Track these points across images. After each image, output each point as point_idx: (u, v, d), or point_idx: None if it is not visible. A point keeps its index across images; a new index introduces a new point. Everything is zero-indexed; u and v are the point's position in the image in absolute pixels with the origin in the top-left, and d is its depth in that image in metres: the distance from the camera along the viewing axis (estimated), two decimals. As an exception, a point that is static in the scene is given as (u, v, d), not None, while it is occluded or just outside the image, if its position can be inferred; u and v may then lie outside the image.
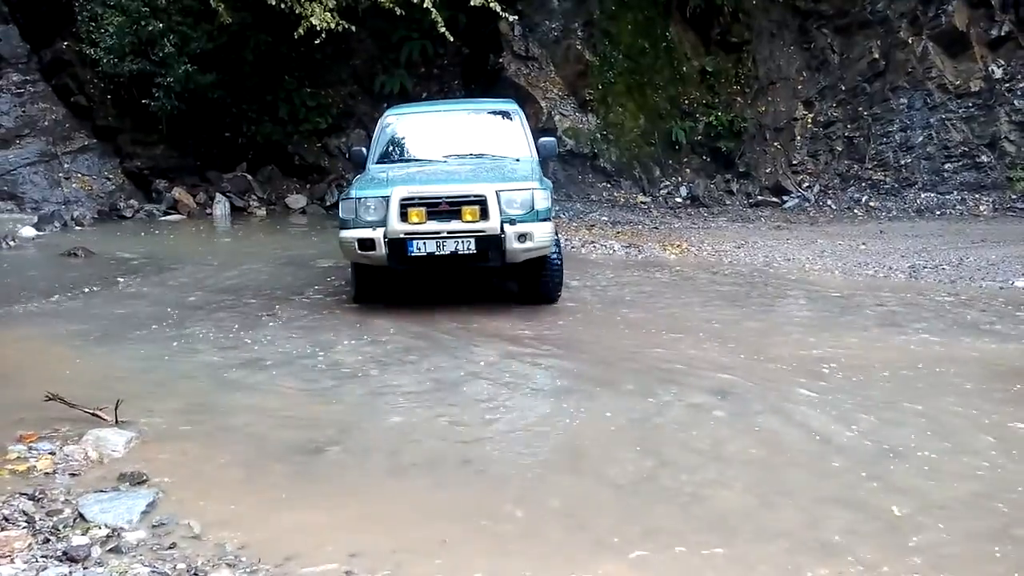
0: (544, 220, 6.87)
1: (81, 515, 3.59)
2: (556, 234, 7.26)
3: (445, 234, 6.75)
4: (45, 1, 12.95)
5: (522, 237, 6.74)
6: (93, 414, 4.64)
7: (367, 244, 6.82)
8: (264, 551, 3.38)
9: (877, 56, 13.63)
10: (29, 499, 3.70)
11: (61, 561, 3.22)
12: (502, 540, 3.53)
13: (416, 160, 7.89)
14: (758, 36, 14.22)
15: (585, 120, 13.54)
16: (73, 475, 4.00)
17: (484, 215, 6.69)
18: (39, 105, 12.94)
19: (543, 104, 13.19)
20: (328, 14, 10.75)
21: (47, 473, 4.00)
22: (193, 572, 3.20)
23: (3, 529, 3.44)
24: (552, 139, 8.06)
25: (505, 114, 8.30)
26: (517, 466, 4.32)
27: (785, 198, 13.48)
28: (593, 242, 10.27)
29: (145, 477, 3.96)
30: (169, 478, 3.99)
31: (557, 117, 13.31)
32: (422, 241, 6.74)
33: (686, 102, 14.00)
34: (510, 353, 5.94)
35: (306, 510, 3.74)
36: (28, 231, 10.29)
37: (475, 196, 6.75)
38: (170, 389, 5.25)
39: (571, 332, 6.59)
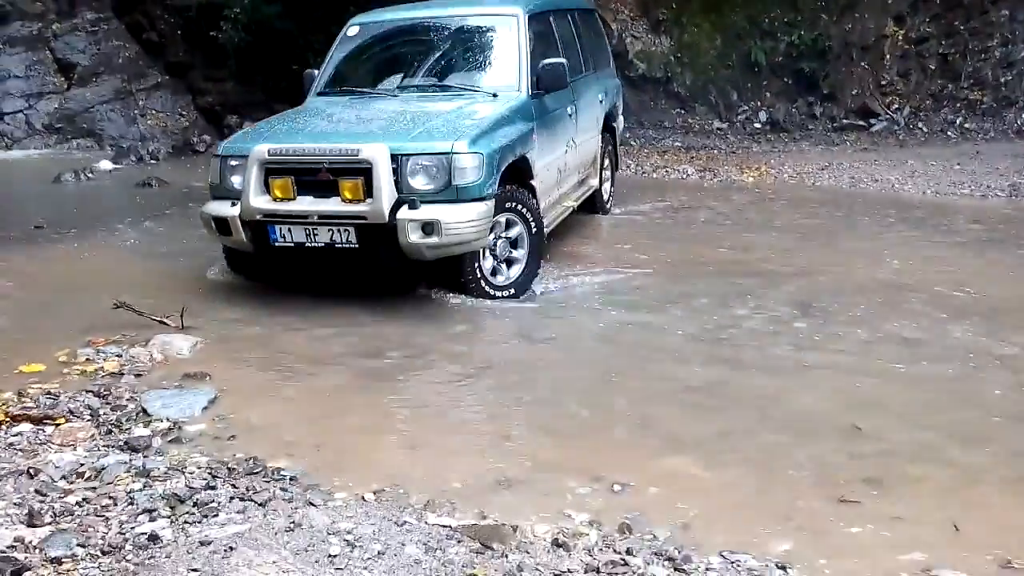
0: (472, 200, 4.63)
1: (144, 410, 3.59)
2: (523, 214, 5.12)
3: (316, 218, 4.68)
4: (115, -63, 13.04)
5: (428, 227, 4.52)
6: (160, 321, 4.64)
7: (223, 226, 4.90)
8: (322, 445, 3.32)
9: (977, -36, 12.56)
10: (95, 395, 3.73)
11: (122, 450, 3.22)
12: (567, 437, 3.41)
13: (365, 93, 5.78)
14: (845, -52, 13.25)
15: (658, 42, 12.95)
16: (138, 375, 4.01)
17: (368, 190, 4.58)
18: (113, 43, 13.10)
19: (613, 26, 12.63)
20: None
21: (113, 373, 4.02)
22: (251, 460, 3.14)
23: (68, 421, 3.46)
24: (560, 61, 5.69)
25: (506, 24, 5.84)
26: (584, 368, 4.18)
27: (873, 121, 12.68)
28: (665, 167, 9.86)
29: (208, 377, 3.94)
30: (231, 379, 3.96)
31: (628, 39, 12.76)
32: (287, 227, 4.72)
33: (766, 21, 13.21)
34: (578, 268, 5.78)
35: (361, 412, 3.69)
36: (105, 164, 10.49)
37: (354, 162, 4.58)
38: (236, 301, 5.23)
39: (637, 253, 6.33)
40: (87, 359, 4.16)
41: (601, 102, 7.23)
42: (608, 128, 7.57)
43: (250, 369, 4.12)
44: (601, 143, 7.29)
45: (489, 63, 5.83)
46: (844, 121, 12.79)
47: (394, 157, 4.59)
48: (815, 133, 12.54)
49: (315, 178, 4.68)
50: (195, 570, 2.41)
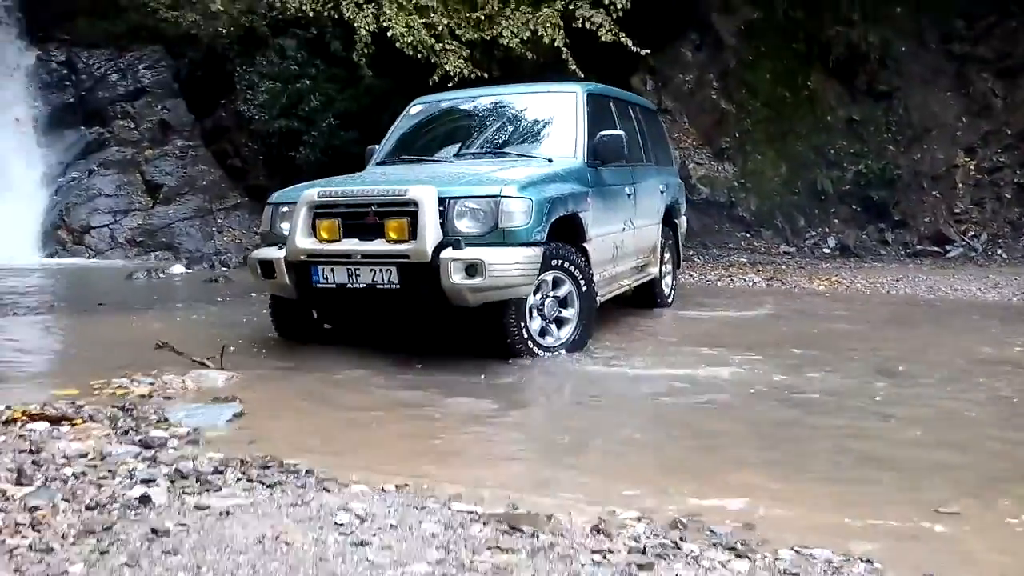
0: (518, 244, 4.47)
1: (166, 419, 3.38)
2: (571, 272, 4.92)
3: (359, 258, 4.57)
4: (209, 76, 14.12)
5: (471, 269, 4.35)
6: (200, 362, 4.51)
7: (267, 269, 4.84)
8: (345, 451, 3.06)
9: (1047, 97, 12.52)
10: (120, 409, 3.54)
11: (135, 445, 2.99)
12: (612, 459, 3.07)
13: (423, 160, 5.75)
14: (908, 82, 13.42)
15: (721, 168, 13.06)
16: (167, 398, 3.83)
17: (413, 232, 4.48)
18: (199, 167, 13.90)
19: (676, 153, 12.85)
20: (462, 61, 11.05)
21: (143, 396, 3.85)
22: (268, 456, 2.87)
23: (84, 422, 3.26)
24: (618, 133, 5.57)
25: (565, 100, 5.80)
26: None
27: (948, 247, 12.29)
28: (731, 277, 9.62)
29: (238, 399, 3.73)
30: (261, 401, 3.76)
31: (691, 165, 12.91)
32: (330, 268, 4.61)
33: (831, 151, 13.26)
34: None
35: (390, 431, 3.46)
36: (177, 268, 10.83)
37: (401, 202, 4.51)
38: (279, 352, 5.09)
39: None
40: (120, 386, 4.02)
41: (662, 193, 7.19)
42: (669, 223, 7.49)
43: (282, 395, 3.93)
44: (662, 236, 7.18)
45: (546, 134, 5.85)
46: (918, 247, 12.45)
47: (441, 200, 4.51)
48: (887, 258, 12.21)
49: (362, 221, 4.62)
50: (183, 525, 2.13)
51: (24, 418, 3.24)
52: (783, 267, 10.50)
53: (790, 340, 5.52)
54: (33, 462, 2.63)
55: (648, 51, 11.16)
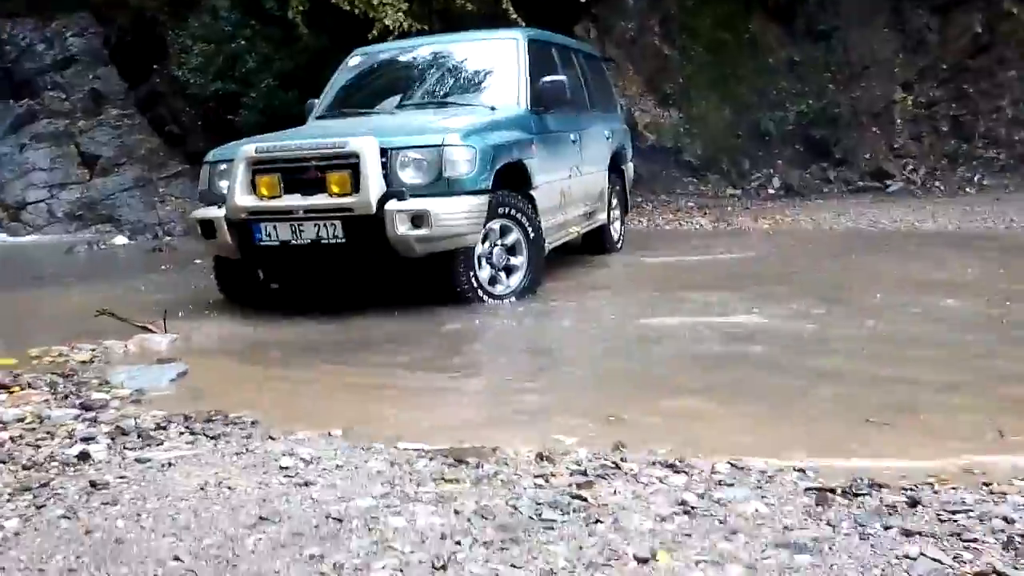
0: (463, 193, 4.44)
1: (107, 382, 3.33)
2: (518, 219, 4.90)
3: (302, 213, 4.47)
4: (140, 41, 13.64)
5: (417, 219, 4.32)
6: (143, 327, 4.43)
7: (208, 228, 4.78)
8: (291, 404, 3.05)
9: (980, 31, 12.75)
10: (59, 376, 3.47)
11: (75, 408, 2.94)
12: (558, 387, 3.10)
13: (363, 112, 5.67)
14: (846, 21, 13.55)
15: (666, 115, 13.09)
16: (108, 363, 3.76)
17: (356, 185, 4.40)
18: (136, 136, 13.49)
19: (622, 101, 12.84)
20: (400, 14, 10.83)
21: (83, 362, 3.78)
22: (214, 411, 2.85)
23: (22, 389, 3.20)
24: (560, 78, 5.54)
25: (506, 47, 5.74)
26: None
27: (888, 183, 12.54)
28: (678, 221, 9.73)
29: (181, 360, 3.68)
30: (206, 361, 3.72)
31: (637, 113, 12.90)
32: (272, 224, 4.53)
33: (774, 93, 13.37)
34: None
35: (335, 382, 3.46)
36: (120, 239, 10.57)
37: (342, 155, 4.42)
38: (224, 313, 5.01)
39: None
40: (60, 353, 3.94)
41: (608, 139, 7.19)
42: (616, 170, 7.50)
43: (228, 354, 3.91)
44: (609, 182, 7.20)
45: (488, 83, 5.78)
46: (860, 184, 12.69)
47: (384, 152, 4.46)
48: (830, 195, 12.41)
49: (303, 176, 4.54)
50: (122, 477, 2.11)
51: (-41, 389, 3.17)
52: (729, 209, 10.63)
53: (733, 276, 5.61)
54: (-34, 428, 2.58)
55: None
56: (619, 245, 7.45)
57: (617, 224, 7.48)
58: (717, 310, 4.48)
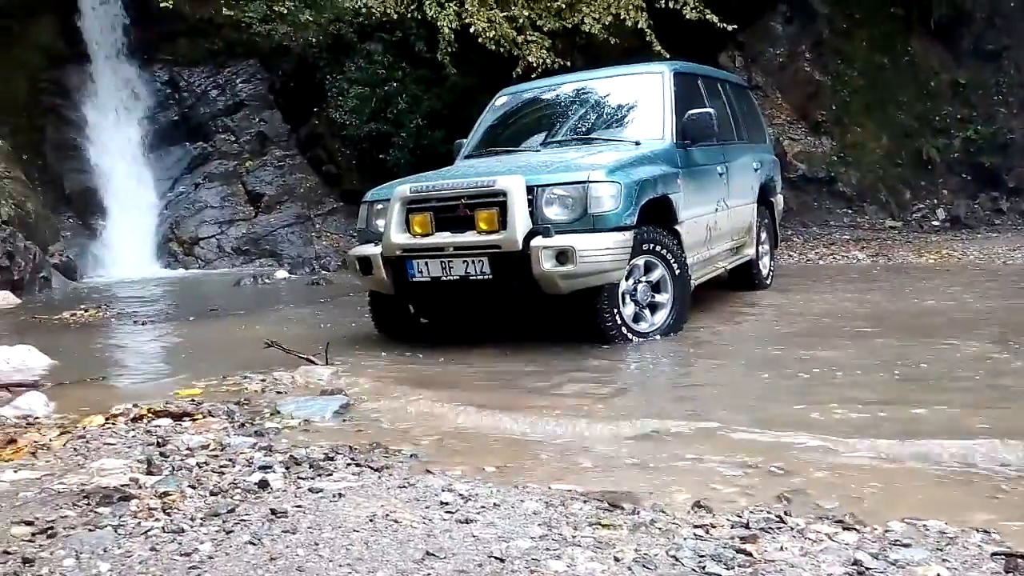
0: (608, 230, 4.47)
1: (278, 411, 3.55)
2: (663, 255, 4.86)
3: (452, 250, 4.65)
4: (302, 86, 14.61)
5: (562, 256, 4.38)
6: (306, 359, 4.69)
7: (365, 265, 5.01)
8: (448, 437, 3.14)
9: None
10: (235, 404, 3.74)
11: (250, 436, 3.15)
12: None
13: (510, 151, 5.79)
14: (1018, 41, 12.63)
15: (819, 144, 12.61)
16: (279, 393, 4.01)
17: (503, 222, 4.54)
18: (296, 175, 14.42)
19: (771, 129, 12.49)
20: (544, 51, 11.07)
21: (256, 391, 4.05)
22: (376, 443, 2.98)
23: (204, 417, 3.46)
24: (707, 111, 5.48)
25: (651, 81, 5.73)
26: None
27: (1072, 213, 11.53)
28: (832, 255, 9.30)
29: (343, 392, 3.88)
30: (366, 392, 3.90)
31: (786, 142, 12.51)
32: (424, 261, 4.73)
33: (936, 118, 12.62)
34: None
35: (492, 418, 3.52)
36: (281, 273, 11.31)
37: (490, 193, 4.57)
38: (381, 347, 5.24)
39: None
40: (235, 383, 4.24)
41: (756, 171, 7.00)
42: (765, 202, 7.29)
43: (386, 387, 4.04)
44: (757, 215, 7.00)
45: (633, 117, 5.80)
46: (1037, 214, 11.72)
47: (530, 189, 4.57)
48: (1003, 227, 11.53)
49: (453, 214, 4.72)
50: (299, 506, 2.24)
51: (150, 415, 3.47)
52: (889, 242, 10.08)
53: (897, 315, 5.31)
54: (160, 454, 2.82)
55: (735, 27, 10.89)
56: (768, 281, 7.22)
57: (766, 259, 7.25)
58: (882, 351, 4.25)
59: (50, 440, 3.09)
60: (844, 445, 2.71)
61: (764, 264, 7.20)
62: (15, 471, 2.68)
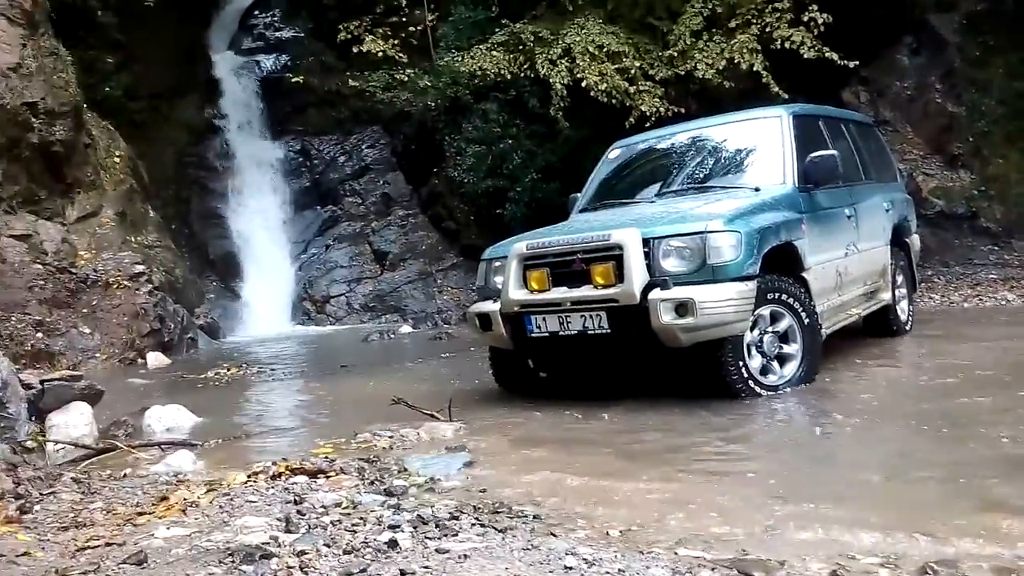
0: (729, 280, 4.39)
1: (405, 469, 3.64)
2: (790, 304, 4.72)
3: (569, 305, 4.67)
4: (422, 147, 15.20)
5: (681, 308, 4.32)
6: (430, 415, 4.81)
7: (485, 321, 5.09)
8: (571, 498, 3.11)
9: None
10: (365, 461, 3.86)
11: (380, 494, 3.24)
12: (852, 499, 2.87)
13: (625, 203, 5.79)
14: None
15: (956, 177, 11.91)
16: (405, 449, 4.12)
17: (619, 275, 4.53)
18: (418, 233, 14.94)
19: (902, 166, 11.92)
20: (656, 100, 11.08)
21: (384, 448, 4.17)
22: (499, 503, 3.00)
23: (337, 474, 3.59)
24: (830, 153, 5.35)
25: (769, 126, 5.64)
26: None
27: None
28: (978, 296, 8.71)
29: (466, 449, 3.94)
30: (488, 450, 3.94)
31: (920, 178, 11.89)
32: (542, 316, 4.78)
33: (1090, 146, 11.73)
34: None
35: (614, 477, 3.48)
36: (405, 328, 11.69)
37: (605, 247, 4.57)
38: (501, 403, 5.29)
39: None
40: (365, 440, 4.38)
41: (887, 211, 6.69)
42: (899, 243, 6.94)
43: (507, 444, 4.08)
44: (892, 257, 6.67)
45: (751, 163, 5.69)
46: None
47: (646, 242, 4.55)
48: None
49: (569, 269, 4.75)
50: (426, 567, 2.28)
51: (288, 472, 3.63)
52: (1042, 280, 9.35)
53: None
54: (297, 511, 2.94)
55: (857, 62, 10.57)
56: (908, 326, 6.83)
57: (904, 303, 6.88)
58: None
59: (198, 497, 3.28)
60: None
61: (902, 308, 6.83)
62: (167, 528, 2.86)
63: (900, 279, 6.86)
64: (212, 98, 15.82)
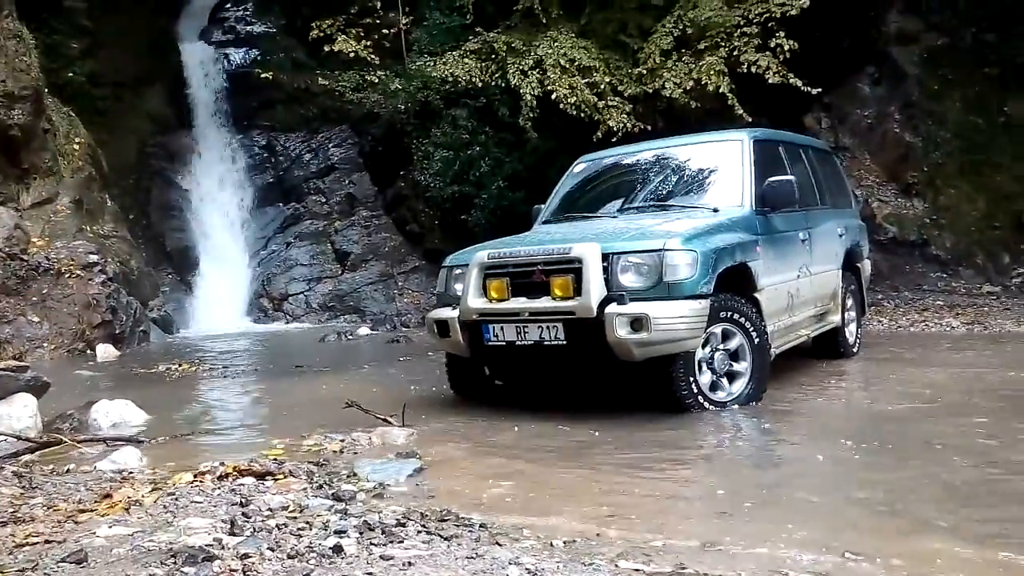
0: (683, 298, 4.47)
1: (355, 474, 3.64)
2: (741, 323, 4.83)
3: (527, 315, 4.72)
4: (390, 150, 15.17)
5: (636, 323, 4.39)
6: (383, 419, 4.81)
7: (443, 328, 5.13)
8: (518, 507, 3.14)
9: None
10: (314, 464, 3.85)
11: (328, 499, 3.24)
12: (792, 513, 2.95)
13: (587, 217, 5.88)
14: None
15: (909, 205, 12.25)
16: (356, 454, 4.12)
17: (578, 288, 4.61)
18: (381, 235, 14.89)
19: (859, 192, 12.22)
20: (624, 116, 11.22)
21: (335, 452, 4.16)
22: (446, 510, 3.02)
23: (285, 477, 3.58)
24: (788, 178, 5.48)
25: (730, 149, 5.77)
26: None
27: None
28: (924, 321, 8.96)
29: (417, 455, 3.95)
30: (438, 457, 3.96)
31: (875, 204, 12.20)
32: (500, 326, 4.81)
33: (1036, 180, 12.13)
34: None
35: (560, 485, 3.50)
36: (363, 330, 11.61)
37: (565, 260, 4.65)
38: (455, 409, 5.31)
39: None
40: (315, 442, 4.36)
41: (841, 236, 6.86)
42: (851, 267, 7.13)
43: (458, 452, 4.10)
44: (843, 281, 6.85)
45: (711, 184, 5.80)
46: None
47: (605, 256, 4.62)
48: (1115, 294, 10.90)
49: (529, 280, 4.80)
50: (370, 574, 2.30)
51: (235, 473, 3.61)
52: (985, 309, 9.65)
53: (993, 392, 5.06)
54: (243, 514, 2.93)
55: (820, 89, 10.82)
56: (855, 349, 7.01)
57: (852, 326, 7.05)
58: (977, 430, 4.06)
59: (142, 496, 3.25)
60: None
61: (850, 331, 7.00)
62: (110, 526, 2.83)
63: (850, 302, 7.04)
64: (178, 89, 15.60)
